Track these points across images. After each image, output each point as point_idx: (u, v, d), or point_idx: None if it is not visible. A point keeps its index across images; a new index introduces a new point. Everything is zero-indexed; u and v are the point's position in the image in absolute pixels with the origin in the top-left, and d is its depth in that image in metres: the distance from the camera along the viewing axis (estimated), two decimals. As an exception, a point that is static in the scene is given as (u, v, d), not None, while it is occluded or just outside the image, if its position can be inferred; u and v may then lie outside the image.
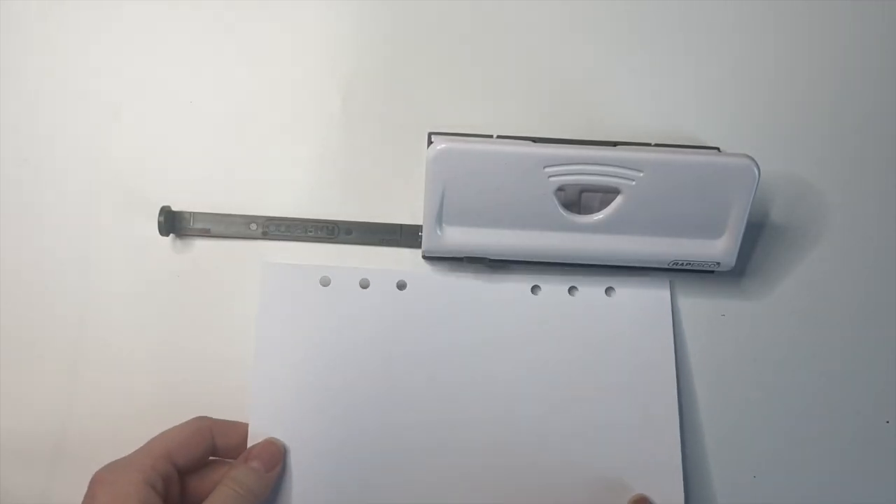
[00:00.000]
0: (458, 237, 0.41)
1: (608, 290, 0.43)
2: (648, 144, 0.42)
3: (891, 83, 0.45)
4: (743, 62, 0.45)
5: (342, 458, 0.41)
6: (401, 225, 0.44)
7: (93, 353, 0.44)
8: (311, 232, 0.44)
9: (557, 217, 0.40)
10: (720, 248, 0.41)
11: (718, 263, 0.42)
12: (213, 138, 0.45)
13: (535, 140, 0.40)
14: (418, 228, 0.42)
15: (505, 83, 0.45)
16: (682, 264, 0.42)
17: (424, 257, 0.44)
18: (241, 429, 0.41)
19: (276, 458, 0.40)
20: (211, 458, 0.40)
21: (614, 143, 0.42)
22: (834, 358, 0.44)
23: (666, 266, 0.42)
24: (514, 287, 0.43)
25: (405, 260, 0.44)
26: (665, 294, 0.44)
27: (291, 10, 0.45)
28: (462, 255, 0.42)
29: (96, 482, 0.36)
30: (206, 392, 0.43)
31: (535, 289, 0.43)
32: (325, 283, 0.43)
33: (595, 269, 0.44)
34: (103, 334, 0.44)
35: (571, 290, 0.43)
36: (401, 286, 0.43)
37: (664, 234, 0.41)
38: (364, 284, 0.43)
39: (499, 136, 0.42)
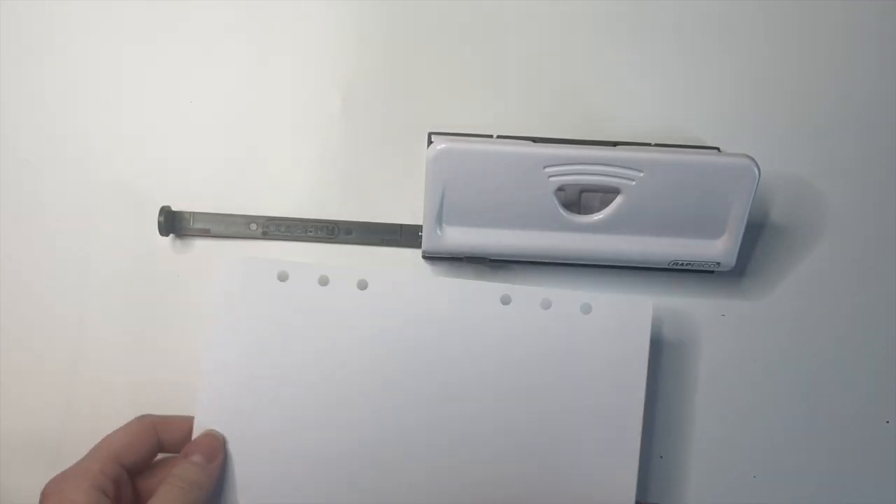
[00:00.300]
0: (458, 237, 0.41)
1: (584, 307, 0.41)
2: (648, 144, 0.42)
3: (891, 83, 0.45)
4: (743, 62, 0.45)
5: (288, 452, 0.40)
6: (401, 225, 0.44)
7: (93, 353, 0.44)
8: (311, 232, 0.44)
9: (557, 217, 0.40)
10: (720, 248, 0.41)
11: (718, 263, 0.42)
12: (213, 138, 0.45)
13: (535, 140, 0.40)
14: (418, 228, 0.42)
15: (505, 83, 0.45)
16: (682, 264, 0.42)
17: (424, 257, 0.44)
18: (185, 423, 0.40)
19: (216, 449, 0.39)
20: (161, 455, 0.40)
21: (614, 143, 0.42)
22: (834, 358, 0.44)
23: (666, 266, 0.42)
24: (482, 295, 0.41)
25: (405, 260, 0.44)
26: (646, 319, 0.40)
27: (291, 10, 0.45)
28: (462, 255, 0.42)
29: (45, 496, 0.35)
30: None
31: (504, 298, 0.41)
32: (282, 277, 0.41)
33: (572, 282, 0.44)
34: (103, 334, 0.44)
35: (545, 303, 0.41)
36: (361, 285, 0.41)
37: (664, 234, 0.41)
38: (323, 282, 0.41)
39: (499, 136, 0.42)
